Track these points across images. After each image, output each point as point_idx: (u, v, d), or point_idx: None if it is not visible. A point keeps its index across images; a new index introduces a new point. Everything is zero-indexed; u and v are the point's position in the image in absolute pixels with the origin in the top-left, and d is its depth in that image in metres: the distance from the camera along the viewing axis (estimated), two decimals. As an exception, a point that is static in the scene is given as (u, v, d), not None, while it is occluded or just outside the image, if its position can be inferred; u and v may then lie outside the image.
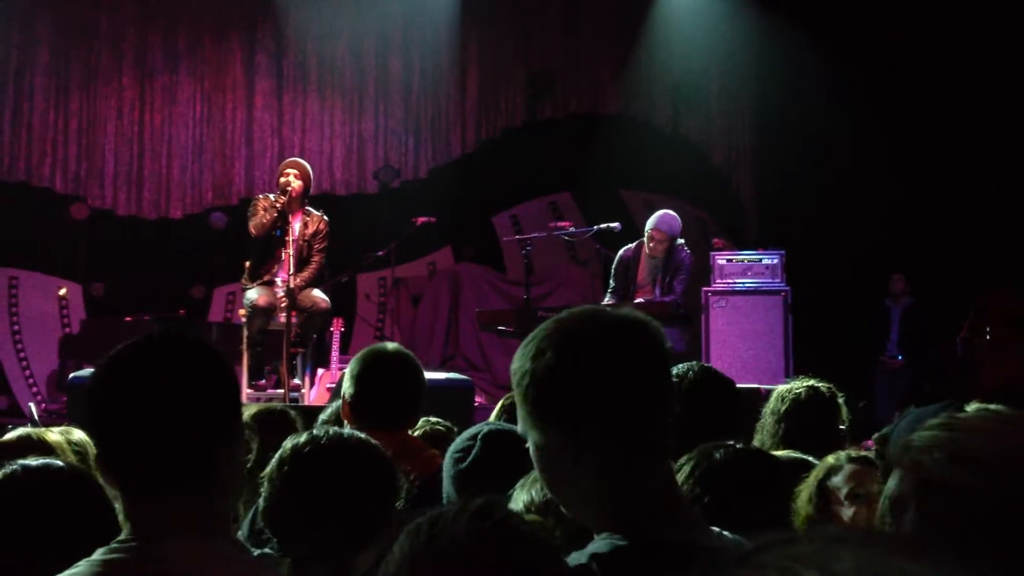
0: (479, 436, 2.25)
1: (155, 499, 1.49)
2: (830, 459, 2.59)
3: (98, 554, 1.47)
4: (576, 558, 1.38)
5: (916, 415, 2.20)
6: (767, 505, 2.13)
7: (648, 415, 1.43)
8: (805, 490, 2.48)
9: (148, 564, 1.46)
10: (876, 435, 3.20)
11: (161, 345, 1.57)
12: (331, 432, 2.00)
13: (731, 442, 2.20)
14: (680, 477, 2.07)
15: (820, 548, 0.67)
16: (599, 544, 1.39)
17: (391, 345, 2.95)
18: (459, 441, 2.32)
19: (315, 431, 2.01)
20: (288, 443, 1.98)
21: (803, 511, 2.46)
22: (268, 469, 1.95)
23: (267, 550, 1.90)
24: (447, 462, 2.29)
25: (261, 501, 1.95)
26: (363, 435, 2.09)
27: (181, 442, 1.49)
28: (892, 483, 1.20)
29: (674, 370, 2.74)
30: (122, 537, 1.49)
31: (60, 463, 1.91)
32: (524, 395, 1.43)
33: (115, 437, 1.52)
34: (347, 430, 2.07)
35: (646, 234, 7.49)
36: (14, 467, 1.86)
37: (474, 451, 2.24)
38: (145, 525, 1.48)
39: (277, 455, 1.97)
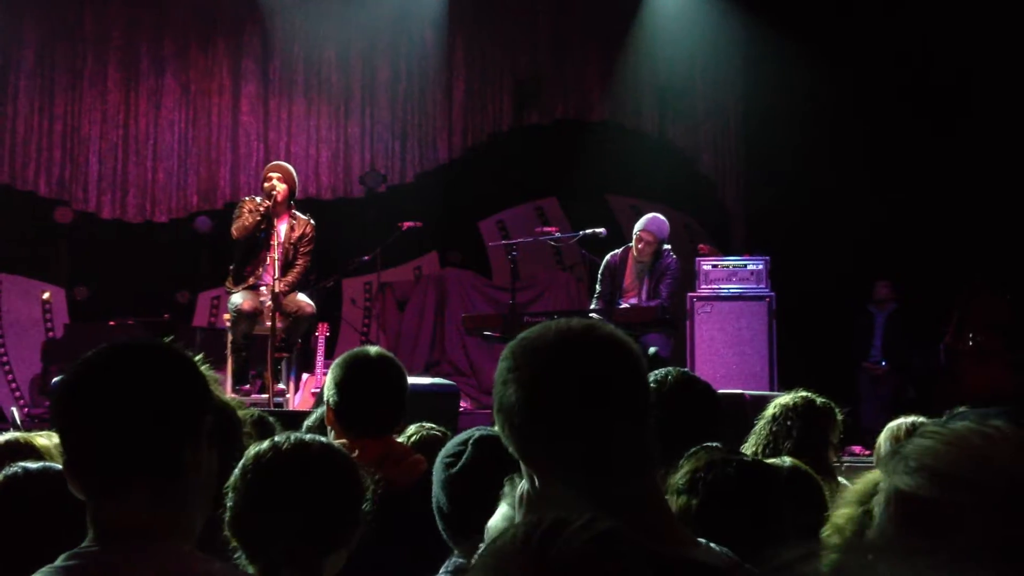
0: (470, 441, 2.23)
1: (118, 505, 1.49)
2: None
3: (60, 560, 1.47)
4: None
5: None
6: (779, 519, 2.12)
7: (622, 436, 1.43)
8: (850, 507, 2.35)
9: (107, 571, 1.46)
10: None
11: (125, 351, 1.58)
12: (292, 438, 1.99)
13: (739, 453, 2.20)
14: (683, 485, 2.07)
15: (858, 560, 0.68)
16: None
17: (373, 349, 2.91)
18: (450, 446, 2.30)
19: (276, 438, 2.00)
20: (250, 451, 1.98)
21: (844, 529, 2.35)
22: (231, 479, 1.94)
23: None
24: (437, 466, 2.28)
25: (226, 511, 1.95)
26: (325, 439, 2.09)
27: (144, 448, 1.50)
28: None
29: (653, 376, 2.75)
30: (85, 543, 1.49)
31: (59, 466, 1.91)
32: (500, 425, 1.46)
33: (79, 441, 1.53)
34: (309, 435, 2.07)
35: (634, 236, 7.54)
36: (15, 469, 1.88)
37: (464, 456, 2.22)
38: (108, 531, 1.49)
39: (240, 464, 1.96)
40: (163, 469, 1.51)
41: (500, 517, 1.71)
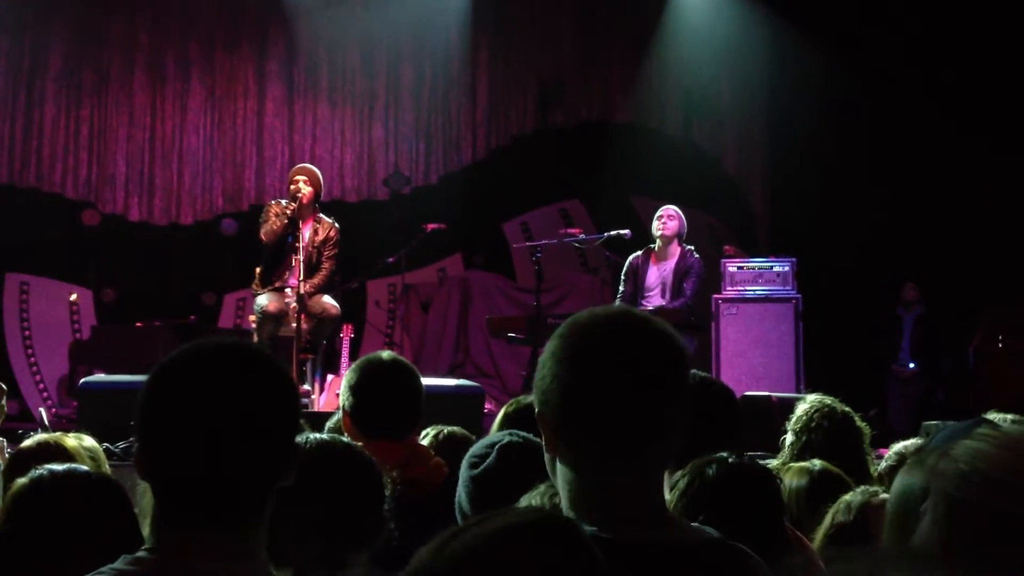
0: (496, 445, 2.27)
1: (187, 524, 1.39)
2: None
3: (119, 562, 1.39)
4: None
5: (951, 431, 2.17)
6: (763, 519, 2.11)
7: (637, 426, 1.42)
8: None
9: None
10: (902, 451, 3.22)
11: (225, 358, 1.44)
12: (312, 439, 1.99)
13: (725, 455, 2.19)
14: (674, 495, 2.07)
15: (871, 565, 0.68)
16: None
17: (386, 354, 2.93)
18: (478, 446, 2.34)
19: (297, 439, 2.00)
20: None
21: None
22: None
23: None
24: (463, 465, 2.31)
25: None
26: (346, 439, 2.10)
27: (231, 475, 1.39)
28: (900, 486, 1.20)
29: None
30: (147, 547, 1.41)
31: (85, 468, 1.90)
32: (536, 397, 1.48)
33: (156, 451, 1.41)
34: (329, 435, 2.07)
35: (655, 219, 7.50)
36: (40, 472, 1.85)
37: (488, 459, 2.25)
38: (172, 542, 1.39)
39: None
40: (253, 505, 1.42)
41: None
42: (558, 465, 1.47)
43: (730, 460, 2.16)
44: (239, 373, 1.42)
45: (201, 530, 1.39)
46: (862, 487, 2.49)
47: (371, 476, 2.00)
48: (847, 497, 2.41)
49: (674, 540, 1.41)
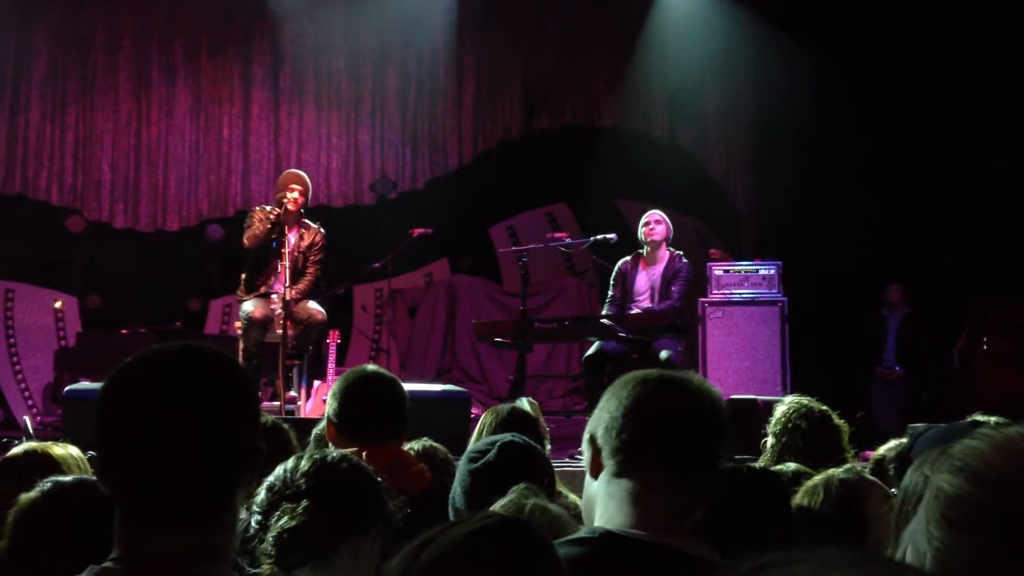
0: (497, 443, 2.36)
1: (151, 530, 1.37)
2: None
3: (86, 574, 1.37)
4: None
5: (935, 433, 2.20)
6: (774, 528, 2.15)
7: (693, 446, 1.71)
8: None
9: None
10: (883, 454, 3.23)
11: (176, 360, 1.42)
12: (317, 456, 2.00)
13: (739, 465, 2.23)
14: None
15: (814, 569, 0.69)
16: (582, 532, 1.64)
17: (370, 367, 3.02)
18: (479, 443, 2.43)
19: (303, 455, 2.02)
20: (279, 470, 1.99)
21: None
22: (259, 497, 1.94)
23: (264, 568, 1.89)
24: (462, 460, 2.39)
25: (255, 525, 1.94)
26: (353, 457, 2.10)
27: (190, 476, 1.37)
28: (903, 484, 1.23)
29: None
30: (110, 558, 1.38)
31: (92, 479, 1.88)
32: (596, 423, 1.74)
33: (114, 459, 1.39)
34: (336, 451, 2.08)
35: (642, 225, 7.47)
36: (49, 484, 1.83)
37: (488, 455, 2.32)
38: (138, 552, 1.37)
39: (267, 482, 1.96)
40: (210, 503, 1.39)
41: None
42: (606, 485, 1.68)
43: (742, 469, 2.21)
44: (190, 376, 1.40)
45: (163, 536, 1.37)
46: (829, 470, 2.52)
47: (374, 495, 1.99)
48: (810, 482, 2.46)
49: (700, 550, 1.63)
